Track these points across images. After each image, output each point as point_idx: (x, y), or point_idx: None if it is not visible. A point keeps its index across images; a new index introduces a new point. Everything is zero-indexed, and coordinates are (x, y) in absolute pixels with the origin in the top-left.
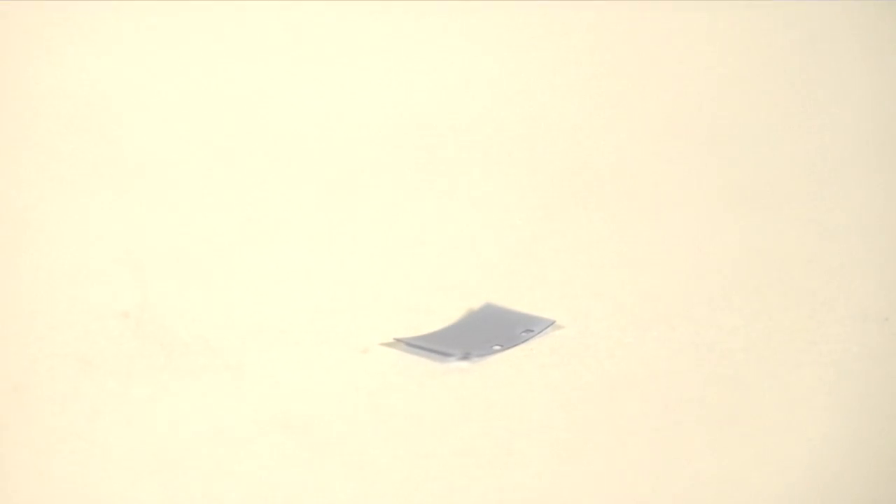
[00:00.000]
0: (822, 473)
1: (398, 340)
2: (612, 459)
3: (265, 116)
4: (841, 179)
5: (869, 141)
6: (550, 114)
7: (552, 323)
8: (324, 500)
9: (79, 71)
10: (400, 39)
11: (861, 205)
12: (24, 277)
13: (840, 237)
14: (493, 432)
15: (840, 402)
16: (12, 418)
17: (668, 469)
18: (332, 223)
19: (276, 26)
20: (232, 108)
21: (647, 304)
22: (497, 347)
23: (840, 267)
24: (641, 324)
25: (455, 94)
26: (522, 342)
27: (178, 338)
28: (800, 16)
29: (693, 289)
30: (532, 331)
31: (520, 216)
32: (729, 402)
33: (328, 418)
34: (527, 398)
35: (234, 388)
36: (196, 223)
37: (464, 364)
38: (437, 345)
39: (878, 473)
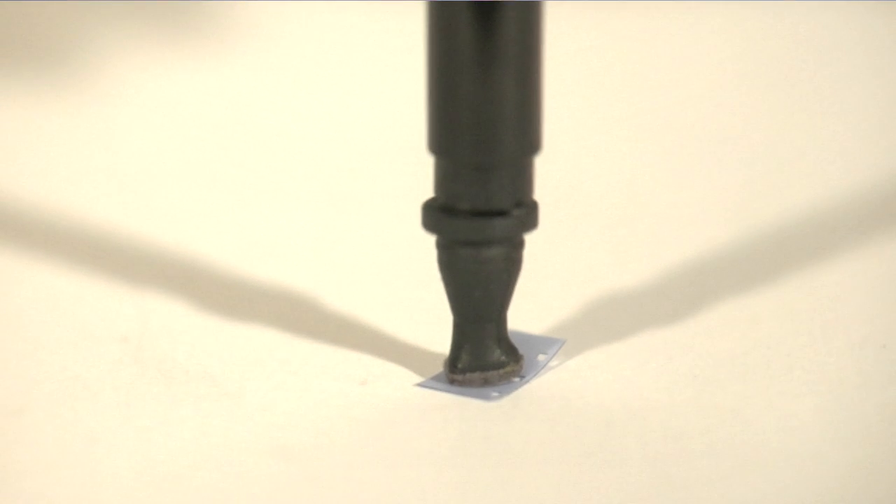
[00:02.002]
0: (822, 502)
1: (430, 382)
2: (611, 491)
3: (266, 137)
4: (838, 203)
5: (868, 156)
6: (550, 121)
7: (563, 342)
8: None
9: (78, 78)
10: (403, 43)
11: (859, 230)
12: (23, 300)
13: (838, 264)
14: (492, 465)
15: (839, 430)
16: (10, 443)
17: (667, 500)
18: (334, 252)
19: (278, 29)
20: (234, 127)
21: (644, 335)
22: (517, 379)
23: (838, 294)
24: (639, 355)
25: None
26: (541, 368)
27: (178, 364)
28: (800, 16)
29: (691, 319)
30: (546, 353)
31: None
32: (728, 431)
33: (327, 448)
34: (526, 432)
35: (232, 415)
36: (197, 248)
37: (496, 395)
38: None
39: (877, 502)
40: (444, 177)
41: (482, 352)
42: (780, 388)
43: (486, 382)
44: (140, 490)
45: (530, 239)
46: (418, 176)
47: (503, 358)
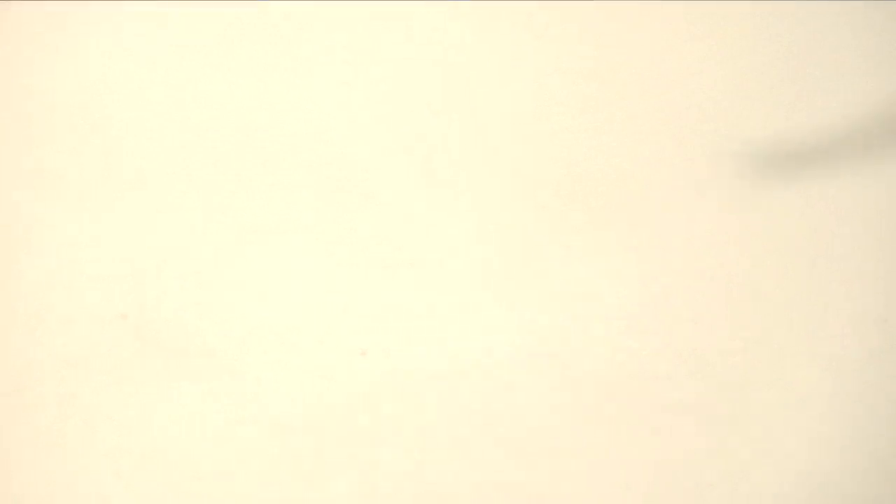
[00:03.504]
0: (822, 475)
1: None
2: (611, 463)
3: (261, 119)
4: (839, 181)
5: (868, 142)
6: (549, 116)
7: None
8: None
9: (77, 73)
10: (396, 43)
11: (860, 205)
12: (22, 279)
13: (839, 238)
14: (492, 436)
15: (839, 403)
16: (11, 421)
17: (668, 472)
18: (330, 225)
19: (275, 29)
20: (229, 109)
21: (646, 309)
22: None
23: (839, 268)
24: (640, 328)
25: (452, 97)
26: None
27: (177, 340)
28: (800, 15)
29: (692, 292)
30: None
31: (518, 219)
32: (728, 404)
33: (327, 421)
34: (526, 403)
35: (232, 390)
36: (194, 225)
37: None
38: None
39: (877, 475)
40: None
41: None
42: (781, 362)
43: None
44: (140, 465)
45: (533, 219)
46: (400, 150)
47: None
